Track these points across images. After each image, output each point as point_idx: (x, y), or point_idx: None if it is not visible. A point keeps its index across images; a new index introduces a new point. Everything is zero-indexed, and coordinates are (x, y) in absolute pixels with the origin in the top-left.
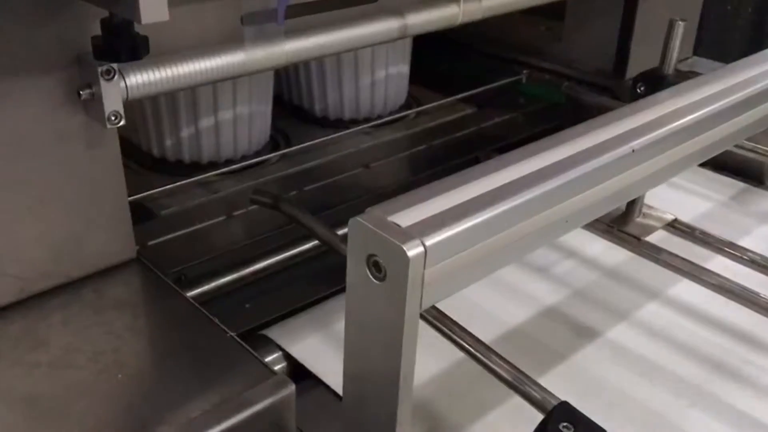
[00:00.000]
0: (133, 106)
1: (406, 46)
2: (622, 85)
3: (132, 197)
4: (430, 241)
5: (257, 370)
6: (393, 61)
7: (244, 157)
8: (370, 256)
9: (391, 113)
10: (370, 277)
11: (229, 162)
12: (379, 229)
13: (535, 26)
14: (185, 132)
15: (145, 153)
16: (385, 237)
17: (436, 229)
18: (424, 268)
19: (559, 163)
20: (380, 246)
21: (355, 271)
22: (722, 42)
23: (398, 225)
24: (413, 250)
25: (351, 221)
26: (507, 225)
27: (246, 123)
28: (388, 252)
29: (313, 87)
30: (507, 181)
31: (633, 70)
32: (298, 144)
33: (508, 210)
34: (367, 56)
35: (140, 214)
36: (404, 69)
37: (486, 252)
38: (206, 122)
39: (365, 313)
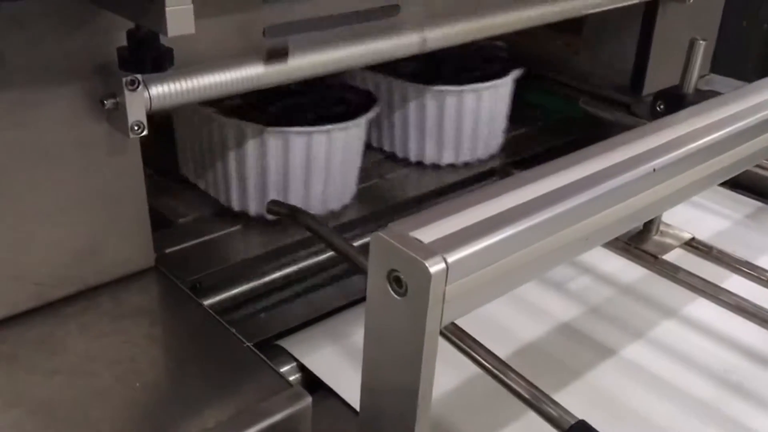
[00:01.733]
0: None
1: None
2: (638, 101)
3: None
4: (452, 258)
5: (273, 381)
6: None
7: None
8: (392, 271)
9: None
10: (391, 292)
11: None
12: (401, 244)
13: (552, 40)
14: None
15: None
16: (407, 252)
17: (457, 245)
18: (446, 285)
19: (580, 180)
20: (402, 261)
21: (376, 285)
22: (738, 58)
23: (420, 241)
24: (435, 267)
25: (373, 236)
26: (528, 242)
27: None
28: (410, 268)
29: (409, 133)
30: (529, 198)
31: (650, 86)
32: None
33: (529, 227)
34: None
35: (157, 221)
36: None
37: (507, 269)
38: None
39: (385, 327)
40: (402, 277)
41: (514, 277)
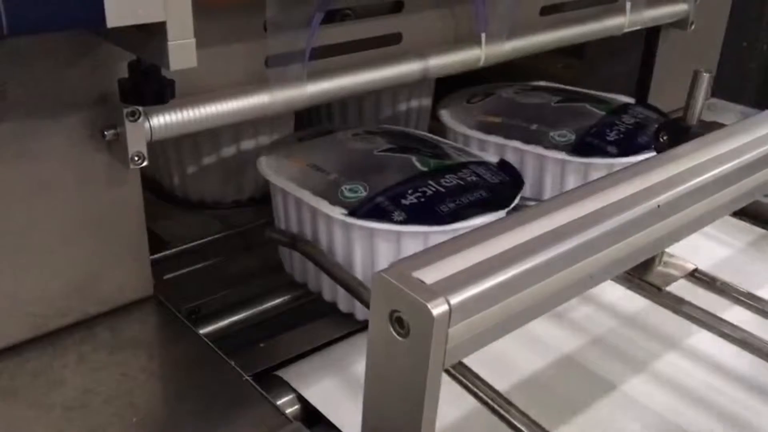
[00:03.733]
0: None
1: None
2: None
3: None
4: (455, 299)
5: (273, 416)
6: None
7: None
8: (393, 311)
9: None
10: (393, 332)
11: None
12: (403, 285)
13: (552, 63)
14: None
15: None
16: (409, 294)
17: (461, 286)
18: (449, 327)
19: (584, 218)
20: (404, 303)
21: (378, 325)
22: (738, 80)
23: (422, 281)
24: (438, 309)
25: (374, 275)
26: (532, 282)
27: None
28: (412, 309)
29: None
30: (532, 236)
31: None
32: None
33: (533, 267)
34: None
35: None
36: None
37: (511, 309)
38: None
39: (387, 368)
40: (404, 318)
41: (519, 316)
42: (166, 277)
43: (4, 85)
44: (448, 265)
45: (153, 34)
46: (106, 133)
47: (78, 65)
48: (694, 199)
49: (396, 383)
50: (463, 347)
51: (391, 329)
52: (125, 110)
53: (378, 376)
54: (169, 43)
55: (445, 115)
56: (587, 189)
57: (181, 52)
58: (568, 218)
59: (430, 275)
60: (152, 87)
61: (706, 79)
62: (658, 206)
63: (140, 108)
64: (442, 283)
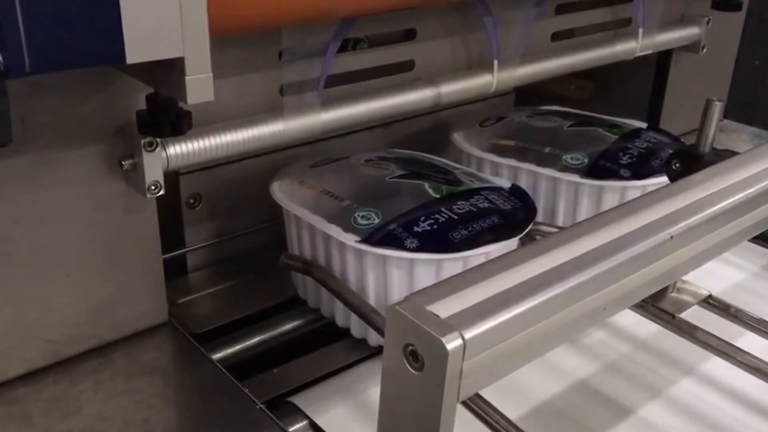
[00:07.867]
0: None
1: None
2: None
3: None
4: (469, 334)
5: None
6: None
7: None
8: (408, 345)
9: None
10: (407, 366)
11: None
12: (418, 319)
13: (565, 85)
14: None
15: None
16: (423, 328)
17: (475, 320)
18: (463, 361)
19: (596, 250)
20: (418, 336)
21: (392, 358)
22: (750, 98)
23: (437, 315)
24: (452, 343)
25: (389, 309)
26: (546, 315)
27: None
28: (427, 343)
29: None
30: (545, 269)
31: None
32: None
33: (546, 300)
34: None
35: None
36: None
37: (525, 342)
38: None
39: (401, 401)
40: (419, 351)
41: (532, 350)
42: (180, 301)
43: (23, 115)
44: (463, 299)
45: (171, 68)
46: (123, 162)
47: (97, 97)
48: (707, 229)
49: (410, 416)
50: (478, 381)
51: (406, 362)
52: (143, 140)
53: (392, 408)
54: (187, 77)
55: (459, 138)
56: (599, 220)
57: (199, 87)
58: (581, 250)
59: (444, 309)
60: (169, 119)
61: (718, 107)
62: (671, 237)
63: (157, 138)
64: (457, 317)
